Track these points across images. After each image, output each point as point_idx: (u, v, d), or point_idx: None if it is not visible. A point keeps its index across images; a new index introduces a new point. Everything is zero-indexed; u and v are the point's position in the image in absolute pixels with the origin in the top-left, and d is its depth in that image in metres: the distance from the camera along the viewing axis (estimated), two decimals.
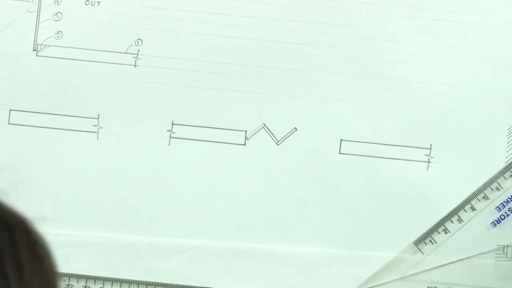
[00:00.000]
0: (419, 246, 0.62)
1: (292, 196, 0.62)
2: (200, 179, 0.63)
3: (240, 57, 0.63)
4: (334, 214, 0.62)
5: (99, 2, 0.63)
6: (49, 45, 0.63)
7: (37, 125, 0.63)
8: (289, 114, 0.63)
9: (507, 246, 0.61)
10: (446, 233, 0.61)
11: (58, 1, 0.63)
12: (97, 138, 0.63)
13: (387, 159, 0.62)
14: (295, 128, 0.63)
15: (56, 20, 0.63)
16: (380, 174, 0.62)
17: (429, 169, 0.62)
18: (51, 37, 0.63)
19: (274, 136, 0.63)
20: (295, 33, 0.63)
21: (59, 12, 0.63)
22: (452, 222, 0.62)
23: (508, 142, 0.62)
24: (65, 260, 0.61)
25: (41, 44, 0.63)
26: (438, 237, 0.62)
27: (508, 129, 0.62)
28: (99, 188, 0.63)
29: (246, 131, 0.63)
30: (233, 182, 0.63)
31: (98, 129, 0.63)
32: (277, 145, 0.63)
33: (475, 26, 0.62)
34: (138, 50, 0.63)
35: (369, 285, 0.62)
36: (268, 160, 0.63)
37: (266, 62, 0.63)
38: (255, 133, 0.63)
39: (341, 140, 0.62)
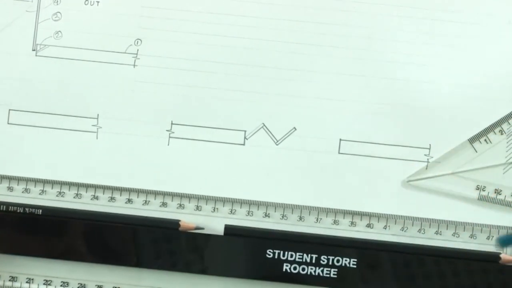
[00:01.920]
0: (474, 144, 0.62)
1: (292, 195, 0.63)
2: (199, 178, 0.63)
3: (240, 57, 0.63)
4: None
5: (98, 2, 0.63)
6: (48, 45, 0.63)
7: (36, 125, 0.63)
8: (288, 114, 0.63)
9: None
10: (502, 134, 0.61)
11: (57, 1, 0.63)
12: (97, 138, 0.63)
13: (386, 159, 0.62)
14: (294, 128, 0.63)
15: (55, 20, 0.63)
16: (379, 174, 0.62)
17: (428, 168, 0.62)
18: (50, 37, 0.63)
19: (274, 136, 0.63)
20: (295, 33, 0.63)
21: (59, 12, 0.63)
22: (510, 124, 0.62)
23: (508, 142, 0.62)
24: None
25: (40, 44, 0.63)
26: (493, 137, 0.61)
27: (508, 129, 0.62)
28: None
29: (245, 131, 0.63)
30: (232, 182, 0.63)
31: (97, 129, 0.63)
32: (277, 144, 0.63)
33: (475, 26, 0.62)
34: (138, 50, 0.63)
35: (419, 177, 0.62)
36: (267, 159, 0.63)
37: (266, 62, 0.63)
38: (254, 133, 0.63)
39: (340, 140, 0.63)
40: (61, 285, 0.62)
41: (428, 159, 0.62)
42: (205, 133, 0.63)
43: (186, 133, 0.63)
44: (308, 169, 0.62)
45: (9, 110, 0.63)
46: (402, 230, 0.62)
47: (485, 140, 0.61)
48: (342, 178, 0.62)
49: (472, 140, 0.62)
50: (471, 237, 0.62)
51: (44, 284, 0.62)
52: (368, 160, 0.62)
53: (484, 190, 0.62)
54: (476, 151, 0.61)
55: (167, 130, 0.63)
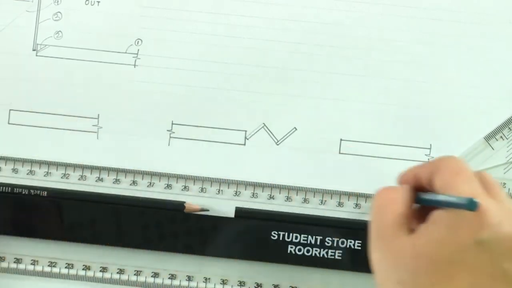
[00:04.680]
0: (490, 142, 0.62)
1: (292, 196, 0.63)
2: (200, 179, 0.63)
3: (240, 57, 0.63)
4: (334, 214, 0.62)
5: (98, 2, 0.63)
6: (49, 45, 0.63)
7: (36, 125, 0.63)
8: (289, 114, 0.63)
9: None
10: None
11: (57, 1, 0.63)
12: (97, 138, 0.63)
13: (387, 159, 0.62)
14: (295, 128, 0.63)
15: (55, 20, 0.63)
16: (380, 174, 0.62)
17: None
18: (51, 37, 0.63)
19: (274, 136, 0.63)
20: (295, 33, 0.63)
21: (59, 12, 0.63)
22: None
23: (507, 142, 0.62)
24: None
25: (41, 44, 0.63)
26: (509, 133, 0.62)
27: (508, 129, 0.62)
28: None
29: (246, 131, 0.63)
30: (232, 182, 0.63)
31: (98, 129, 0.63)
32: (277, 145, 0.63)
33: (475, 26, 0.62)
34: (138, 50, 0.63)
35: None
36: (268, 160, 0.63)
37: (266, 62, 0.63)
38: (255, 133, 0.63)
39: (341, 140, 0.63)
40: (65, 267, 0.62)
41: (428, 159, 0.62)
42: (205, 133, 0.63)
43: (186, 133, 0.63)
44: (309, 169, 0.62)
45: (10, 110, 0.63)
46: None
47: (501, 137, 0.61)
48: (343, 178, 0.62)
49: (487, 138, 0.62)
50: None
51: (48, 265, 0.62)
52: (369, 160, 0.62)
53: (505, 187, 0.62)
54: (493, 149, 0.61)
55: (167, 130, 0.63)
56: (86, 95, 0.63)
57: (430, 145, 0.62)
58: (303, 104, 0.63)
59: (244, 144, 0.63)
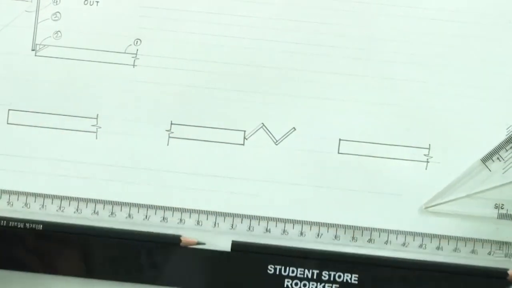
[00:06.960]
0: (487, 163, 0.61)
1: (291, 196, 0.62)
2: (199, 179, 0.63)
3: (240, 57, 0.63)
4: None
5: (97, 2, 0.63)
6: (48, 45, 0.63)
7: (35, 125, 0.63)
8: (288, 114, 0.63)
9: None
10: None
11: (56, 1, 0.63)
12: (96, 138, 0.63)
13: (386, 159, 0.62)
14: (294, 128, 0.63)
15: (54, 20, 0.63)
16: (379, 174, 0.62)
17: (427, 169, 0.62)
18: (50, 37, 0.63)
19: (273, 136, 0.63)
20: (295, 33, 0.63)
21: (58, 12, 0.63)
22: None
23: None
24: None
25: (40, 44, 0.63)
26: (505, 154, 0.61)
27: (507, 129, 0.62)
28: (98, 187, 0.63)
29: (245, 131, 0.63)
30: (232, 182, 0.63)
31: (97, 129, 0.63)
32: (276, 144, 0.63)
33: (475, 26, 0.62)
34: (137, 50, 0.63)
35: (434, 203, 0.61)
36: (267, 159, 0.63)
37: (266, 62, 0.63)
38: (254, 133, 0.63)
39: (340, 139, 0.63)
40: None
41: (427, 159, 0.62)
42: (204, 133, 0.63)
43: (185, 133, 0.63)
44: (308, 169, 0.62)
45: (9, 110, 0.63)
46: (403, 246, 0.62)
47: (498, 158, 0.61)
48: (342, 178, 0.62)
49: (484, 159, 0.61)
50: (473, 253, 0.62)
51: None
52: (368, 160, 0.62)
53: (503, 208, 0.62)
54: (490, 170, 0.61)
55: (166, 130, 0.63)
56: (85, 95, 0.63)
57: (429, 145, 0.62)
58: (302, 104, 0.63)
59: (243, 144, 0.63)
